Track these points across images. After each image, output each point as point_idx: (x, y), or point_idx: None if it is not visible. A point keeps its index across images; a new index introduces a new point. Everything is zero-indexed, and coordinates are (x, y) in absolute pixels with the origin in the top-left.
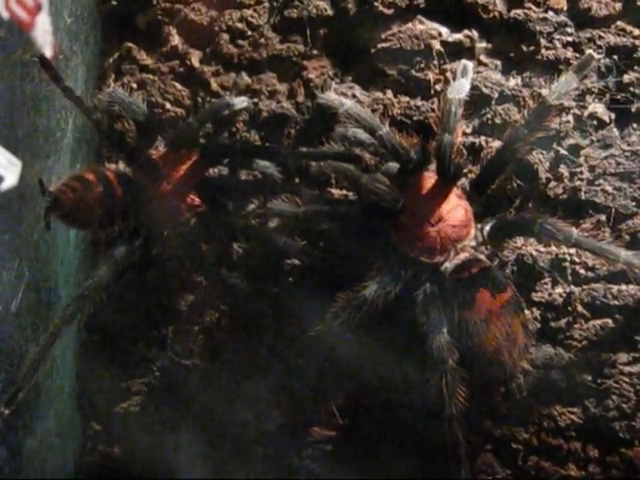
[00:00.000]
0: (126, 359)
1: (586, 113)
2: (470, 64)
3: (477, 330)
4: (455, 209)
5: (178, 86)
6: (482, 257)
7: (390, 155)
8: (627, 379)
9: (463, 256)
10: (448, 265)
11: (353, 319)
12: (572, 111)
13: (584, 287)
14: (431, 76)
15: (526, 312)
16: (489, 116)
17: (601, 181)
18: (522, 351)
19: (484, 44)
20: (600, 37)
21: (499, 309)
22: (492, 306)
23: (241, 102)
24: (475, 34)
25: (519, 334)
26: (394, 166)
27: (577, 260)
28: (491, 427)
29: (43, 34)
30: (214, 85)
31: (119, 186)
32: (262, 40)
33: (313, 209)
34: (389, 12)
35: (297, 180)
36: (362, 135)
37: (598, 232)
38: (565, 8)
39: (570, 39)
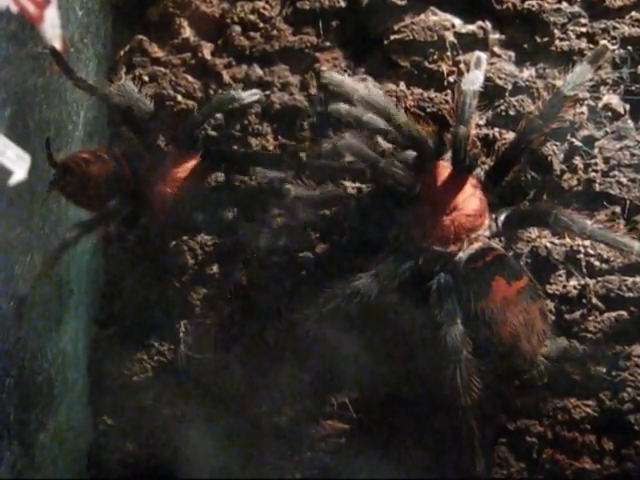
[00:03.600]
0: (138, 353)
1: (600, 104)
2: (484, 55)
3: (494, 318)
4: (470, 198)
5: (190, 78)
6: (496, 245)
7: (407, 142)
8: None
9: (477, 245)
10: (462, 255)
11: (344, 308)
12: (586, 102)
13: (599, 279)
14: (444, 67)
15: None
16: (503, 107)
17: (616, 172)
18: (541, 337)
19: (497, 35)
20: (614, 28)
21: (515, 296)
22: (508, 293)
23: (251, 95)
24: (488, 25)
25: (537, 320)
26: (410, 154)
27: (592, 252)
28: (505, 420)
29: (52, 28)
30: (226, 77)
31: (128, 167)
32: (274, 32)
33: (328, 194)
34: (402, 3)
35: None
36: (379, 122)
37: (613, 224)
38: None
39: (584, 30)
